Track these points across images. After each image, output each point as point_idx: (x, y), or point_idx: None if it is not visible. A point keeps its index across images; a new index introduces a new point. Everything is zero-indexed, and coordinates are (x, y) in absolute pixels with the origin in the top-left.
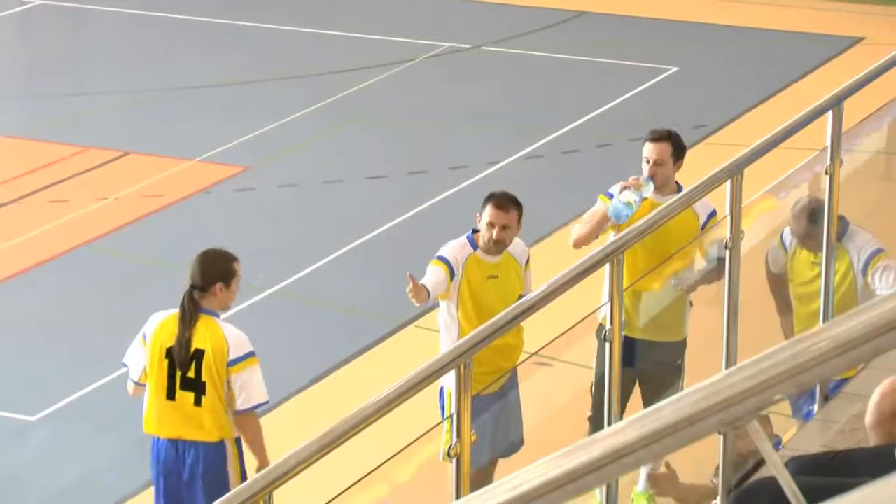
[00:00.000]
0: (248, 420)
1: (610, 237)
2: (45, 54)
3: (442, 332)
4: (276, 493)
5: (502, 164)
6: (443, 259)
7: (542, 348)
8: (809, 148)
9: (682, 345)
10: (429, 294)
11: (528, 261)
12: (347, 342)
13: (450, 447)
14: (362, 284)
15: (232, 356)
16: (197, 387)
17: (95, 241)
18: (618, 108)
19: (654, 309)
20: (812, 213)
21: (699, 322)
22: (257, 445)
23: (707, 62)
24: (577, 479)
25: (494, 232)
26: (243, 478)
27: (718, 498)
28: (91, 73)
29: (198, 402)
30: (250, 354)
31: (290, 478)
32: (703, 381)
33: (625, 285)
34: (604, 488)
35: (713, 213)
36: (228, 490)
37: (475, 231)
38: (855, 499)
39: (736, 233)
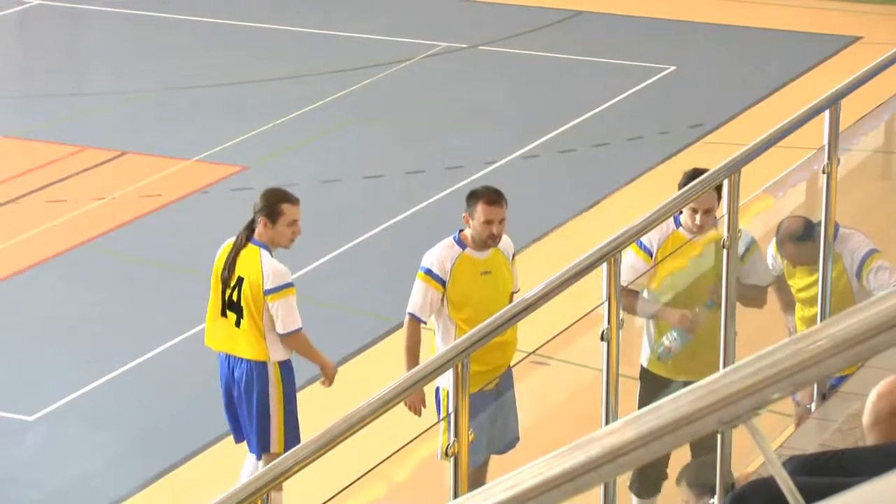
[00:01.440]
0: (291, 341)
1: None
2: (42, 54)
3: (438, 334)
4: (273, 494)
5: (499, 163)
6: (430, 273)
7: (539, 347)
8: (807, 147)
9: None
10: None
11: (514, 255)
12: (345, 341)
13: (448, 446)
14: (360, 284)
15: (268, 286)
16: (237, 310)
17: (93, 240)
18: (615, 108)
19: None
20: (795, 236)
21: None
22: (312, 356)
23: (704, 61)
24: (574, 479)
25: (494, 228)
26: (286, 402)
27: (716, 498)
28: (88, 72)
29: (237, 324)
30: (287, 285)
31: (288, 477)
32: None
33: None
34: (601, 487)
35: (752, 243)
36: (269, 412)
37: (461, 231)
38: (853, 498)
39: (733, 232)
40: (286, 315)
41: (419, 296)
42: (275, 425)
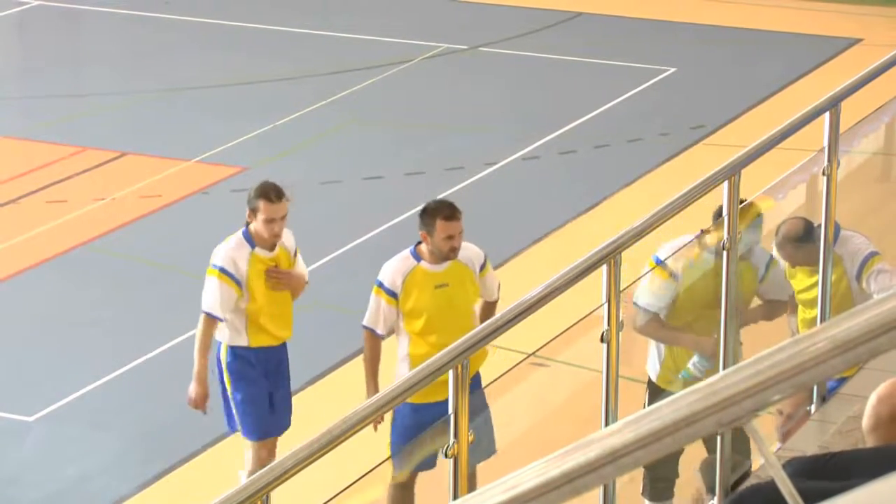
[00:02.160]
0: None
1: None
2: (42, 55)
3: (399, 345)
4: (273, 494)
5: (499, 164)
6: (381, 286)
7: (539, 349)
8: (807, 149)
9: None
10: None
11: (484, 265)
12: (345, 343)
13: (447, 447)
14: (359, 285)
15: (210, 261)
16: None
17: (93, 241)
18: (615, 109)
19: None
20: (794, 238)
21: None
22: (198, 353)
23: (705, 63)
24: (574, 480)
25: (455, 242)
26: (234, 388)
27: (716, 499)
28: (88, 73)
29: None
30: (213, 266)
31: (288, 478)
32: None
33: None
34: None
35: (770, 260)
36: (225, 395)
37: (419, 243)
38: (852, 500)
39: (733, 234)
40: (204, 293)
41: (371, 308)
42: (232, 408)
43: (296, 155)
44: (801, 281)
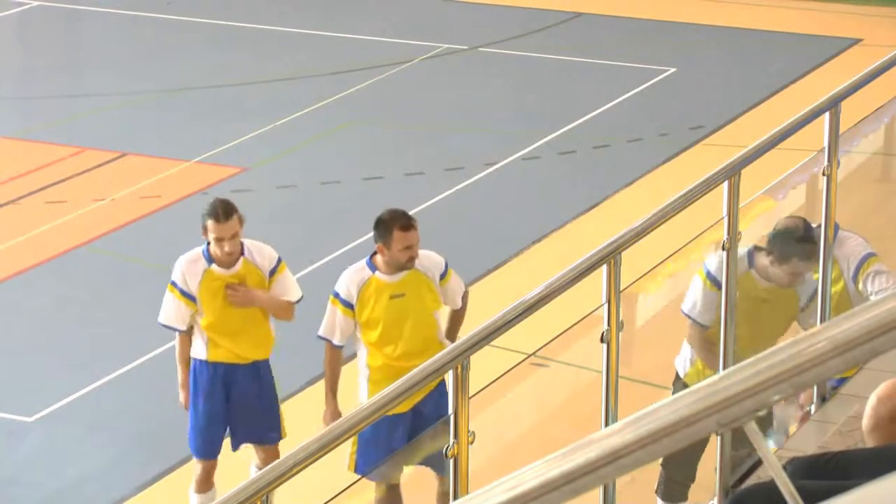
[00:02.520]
0: None
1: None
2: (41, 55)
3: (358, 358)
4: (273, 494)
5: (499, 164)
6: (338, 297)
7: (538, 349)
8: (807, 149)
9: None
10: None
11: (444, 273)
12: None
13: (447, 447)
14: None
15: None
16: None
17: (93, 241)
18: (615, 110)
19: None
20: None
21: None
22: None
23: (705, 63)
24: (574, 480)
25: (413, 252)
26: (193, 401)
27: (716, 499)
28: (88, 74)
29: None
30: (170, 280)
31: (288, 479)
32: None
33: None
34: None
35: (814, 292)
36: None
37: (374, 253)
38: (852, 500)
39: (733, 234)
40: (162, 305)
41: (327, 318)
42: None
43: (296, 155)
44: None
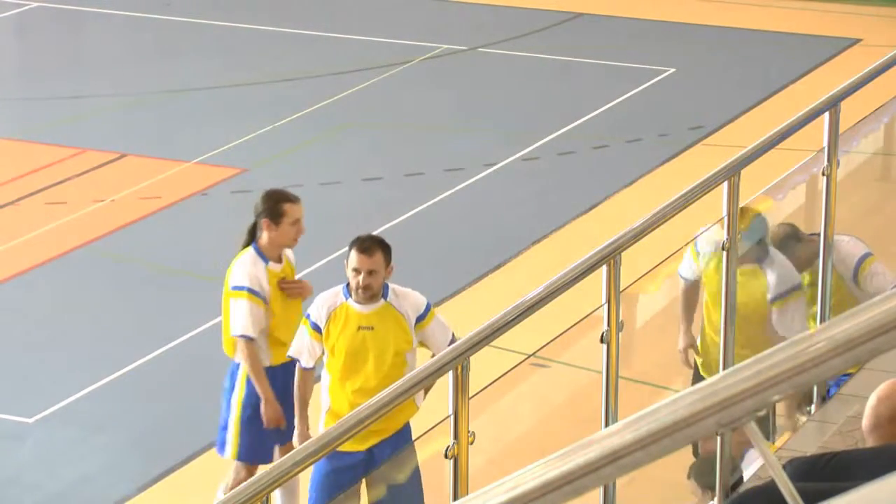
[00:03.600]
0: (239, 346)
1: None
2: (42, 56)
3: (322, 380)
4: (273, 495)
5: (498, 165)
6: (308, 318)
7: (538, 350)
8: (806, 149)
9: None
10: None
11: (425, 316)
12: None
13: (447, 448)
14: None
15: (231, 284)
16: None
17: (93, 242)
18: (614, 110)
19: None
20: (778, 246)
21: (697, 323)
22: (254, 376)
23: (704, 63)
24: (574, 481)
25: (361, 278)
26: (244, 408)
27: (716, 499)
28: (88, 75)
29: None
30: (242, 289)
31: (288, 479)
32: (700, 383)
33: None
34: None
35: (788, 291)
36: (229, 413)
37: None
38: (852, 500)
39: (733, 234)
40: (233, 317)
41: (296, 339)
42: (231, 428)
43: (295, 156)
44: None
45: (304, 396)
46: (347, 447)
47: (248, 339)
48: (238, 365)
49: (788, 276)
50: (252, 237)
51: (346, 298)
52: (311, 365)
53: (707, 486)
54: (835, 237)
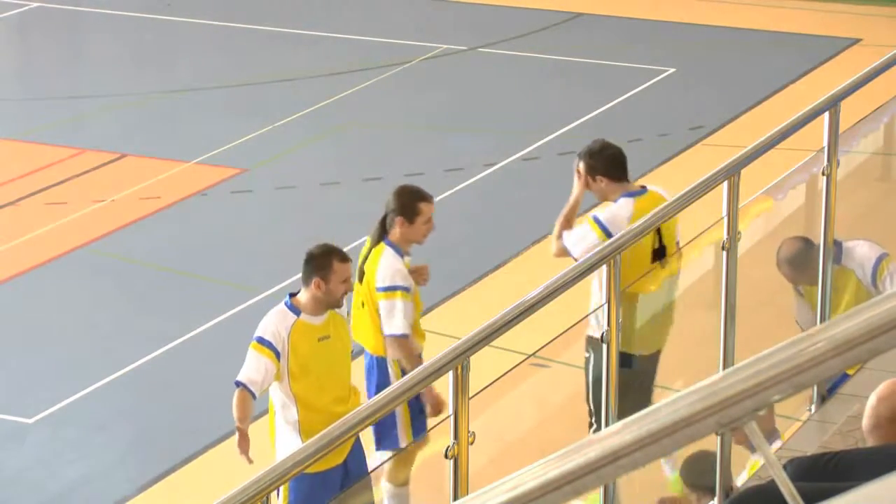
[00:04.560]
0: (391, 345)
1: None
2: (42, 56)
3: (278, 413)
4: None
5: (498, 165)
6: (264, 343)
7: (539, 350)
8: (806, 149)
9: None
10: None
11: (349, 311)
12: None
13: (447, 448)
14: None
15: (379, 284)
16: (360, 304)
17: (92, 243)
18: (615, 110)
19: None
20: (793, 261)
21: (697, 324)
22: (408, 367)
23: (704, 63)
24: (574, 481)
25: (349, 286)
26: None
27: (716, 499)
28: (88, 75)
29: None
30: (396, 288)
31: (288, 479)
32: (700, 382)
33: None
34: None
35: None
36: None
37: (293, 295)
38: (852, 500)
39: (733, 234)
40: (387, 316)
41: (252, 366)
42: (401, 419)
43: (295, 156)
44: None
45: (248, 414)
46: (329, 462)
47: (406, 337)
48: (380, 360)
49: (868, 252)
50: (384, 231)
51: (298, 315)
52: (258, 392)
53: (695, 486)
54: (847, 244)
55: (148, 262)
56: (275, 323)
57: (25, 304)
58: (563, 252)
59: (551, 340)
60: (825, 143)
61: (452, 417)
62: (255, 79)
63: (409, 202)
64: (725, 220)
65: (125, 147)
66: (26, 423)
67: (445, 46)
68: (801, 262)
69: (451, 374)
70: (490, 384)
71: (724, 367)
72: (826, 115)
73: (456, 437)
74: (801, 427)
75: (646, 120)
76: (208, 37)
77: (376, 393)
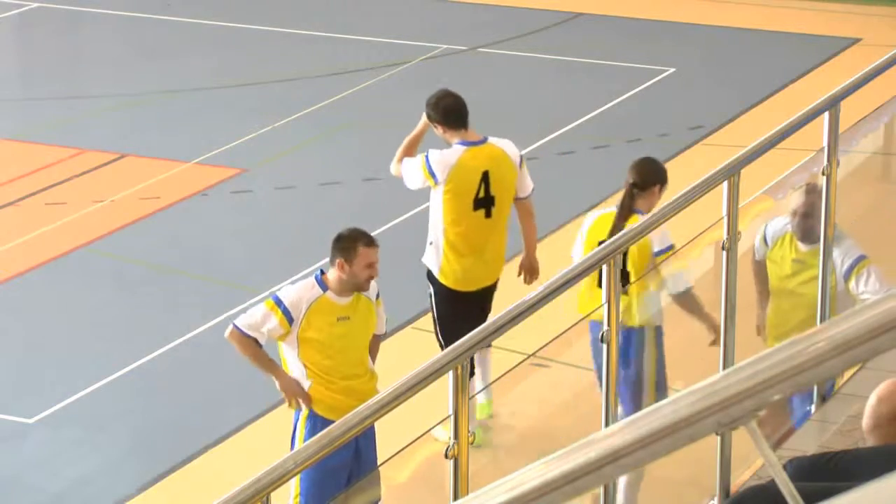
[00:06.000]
0: (680, 302)
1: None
2: (41, 56)
3: (293, 369)
4: (273, 495)
5: None
6: (278, 302)
7: (539, 349)
8: (806, 149)
9: None
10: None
11: (378, 295)
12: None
13: (447, 448)
14: None
15: (656, 248)
16: (625, 277)
17: (92, 243)
18: (614, 110)
19: None
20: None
21: (697, 323)
22: (701, 319)
23: (704, 63)
24: (574, 481)
25: (374, 271)
26: (658, 368)
27: (716, 499)
28: (88, 75)
29: (624, 291)
30: (672, 247)
31: (288, 479)
32: (700, 382)
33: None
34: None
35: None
36: (641, 379)
37: (324, 272)
38: (852, 500)
39: (733, 234)
40: (673, 276)
41: (255, 316)
42: (647, 392)
43: (295, 156)
44: (781, 268)
45: (264, 355)
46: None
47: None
48: (631, 331)
49: (853, 249)
50: (631, 201)
51: (325, 291)
52: (257, 337)
53: None
54: (838, 231)
55: (148, 261)
56: (298, 292)
57: (25, 304)
58: (399, 175)
59: (551, 340)
60: (825, 143)
61: (452, 417)
62: (255, 79)
63: (664, 172)
64: (725, 220)
65: (125, 147)
66: (26, 423)
67: (445, 46)
68: (811, 213)
69: (451, 374)
70: (490, 384)
71: (724, 367)
72: (826, 114)
73: (456, 437)
74: (801, 427)
75: (646, 120)
76: (208, 36)
77: (634, 367)
